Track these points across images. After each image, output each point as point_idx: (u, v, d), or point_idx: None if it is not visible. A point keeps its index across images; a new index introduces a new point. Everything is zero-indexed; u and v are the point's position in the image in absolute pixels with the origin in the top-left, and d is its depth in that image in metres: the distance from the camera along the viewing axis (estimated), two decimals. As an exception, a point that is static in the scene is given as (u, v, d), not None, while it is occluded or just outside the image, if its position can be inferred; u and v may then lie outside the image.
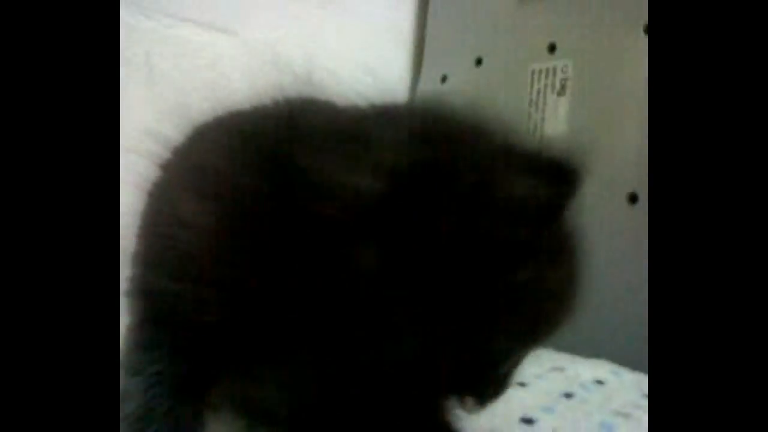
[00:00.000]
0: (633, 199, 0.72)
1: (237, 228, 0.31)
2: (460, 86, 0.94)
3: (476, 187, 0.29)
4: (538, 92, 0.85)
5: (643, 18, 0.74)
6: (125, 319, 0.36)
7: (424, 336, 0.29)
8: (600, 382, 0.57)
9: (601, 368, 0.61)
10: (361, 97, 0.35)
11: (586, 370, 0.59)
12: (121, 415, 0.32)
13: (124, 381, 0.33)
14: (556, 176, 0.29)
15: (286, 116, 0.33)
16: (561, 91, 0.83)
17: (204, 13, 0.85)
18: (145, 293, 0.35)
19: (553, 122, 0.83)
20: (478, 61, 0.93)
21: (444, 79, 0.97)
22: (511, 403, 0.51)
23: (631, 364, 0.62)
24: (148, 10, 0.79)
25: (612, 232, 0.70)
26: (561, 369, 0.59)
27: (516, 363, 0.34)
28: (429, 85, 0.99)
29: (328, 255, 0.29)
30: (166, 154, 0.38)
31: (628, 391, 0.55)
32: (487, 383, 0.34)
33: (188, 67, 0.84)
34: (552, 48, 0.84)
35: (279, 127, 0.32)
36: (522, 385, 0.54)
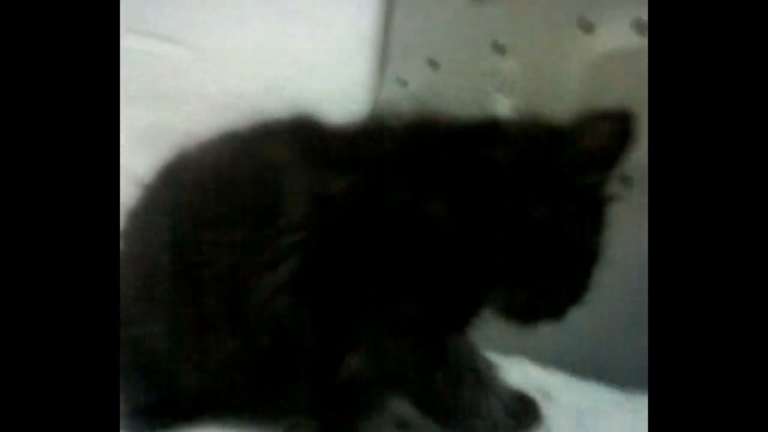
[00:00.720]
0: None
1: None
2: (418, 90, 0.95)
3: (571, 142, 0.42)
4: (487, 93, 0.85)
5: (577, 13, 0.73)
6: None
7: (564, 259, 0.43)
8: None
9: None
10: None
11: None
12: None
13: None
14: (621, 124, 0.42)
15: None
16: (507, 91, 0.82)
17: (160, 26, 0.88)
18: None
19: (499, 123, 0.82)
20: (434, 65, 0.93)
21: (404, 83, 0.98)
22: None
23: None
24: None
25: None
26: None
27: None
28: (390, 90, 1.00)
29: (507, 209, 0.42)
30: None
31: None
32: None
33: (147, 78, 0.87)
34: (499, 48, 0.84)
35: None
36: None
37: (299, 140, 0.46)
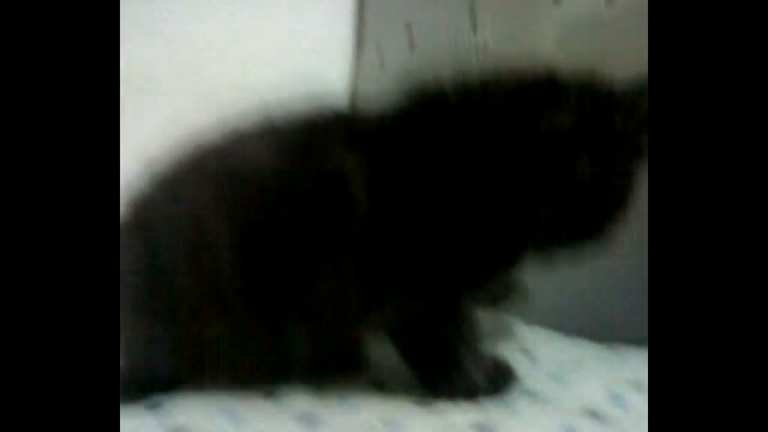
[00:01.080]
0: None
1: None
2: (397, 70, 0.95)
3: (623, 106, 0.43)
4: (463, 71, 0.85)
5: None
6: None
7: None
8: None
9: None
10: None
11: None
12: None
13: None
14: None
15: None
16: (483, 62, 0.83)
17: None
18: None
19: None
20: (412, 44, 0.94)
21: (382, 63, 0.98)
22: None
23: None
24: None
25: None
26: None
27: None
28: (369, 69, 1.01)
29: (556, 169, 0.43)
30: None
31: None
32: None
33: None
34: (474, 25, 0.85)
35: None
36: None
37: (353, 143, 0.46)
